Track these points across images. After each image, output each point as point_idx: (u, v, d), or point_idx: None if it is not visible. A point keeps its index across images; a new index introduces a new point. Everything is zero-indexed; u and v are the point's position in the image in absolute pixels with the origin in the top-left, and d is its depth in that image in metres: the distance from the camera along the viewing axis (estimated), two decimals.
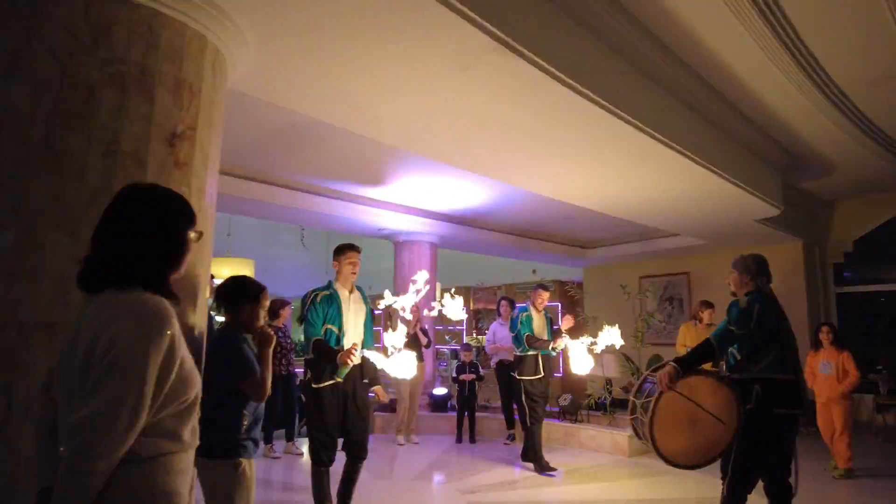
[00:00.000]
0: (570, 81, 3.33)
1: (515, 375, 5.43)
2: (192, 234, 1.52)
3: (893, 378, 6.83)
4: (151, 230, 1.40)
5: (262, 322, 2.49)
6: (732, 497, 2.91)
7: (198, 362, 2.34)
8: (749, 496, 2.95)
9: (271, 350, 2.42)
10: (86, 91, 2.22)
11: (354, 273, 3.65)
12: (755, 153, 5.89)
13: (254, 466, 2.28)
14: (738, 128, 5.42)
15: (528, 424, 5.31)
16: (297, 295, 14.21)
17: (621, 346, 5.20)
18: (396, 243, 8.04)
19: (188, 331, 2.34)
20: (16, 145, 2.11)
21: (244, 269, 7.98)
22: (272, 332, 2.48)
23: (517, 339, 5.43)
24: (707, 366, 3.45)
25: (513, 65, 3.11)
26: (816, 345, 5.59)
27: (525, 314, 5.47)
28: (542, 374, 5.36)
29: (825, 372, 5.38)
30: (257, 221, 10.20)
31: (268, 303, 2.57)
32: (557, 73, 3.22)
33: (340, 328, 3.49)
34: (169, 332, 1.30)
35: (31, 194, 2.09)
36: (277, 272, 12.55)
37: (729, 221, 6.84)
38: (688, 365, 2.93)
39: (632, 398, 3.20)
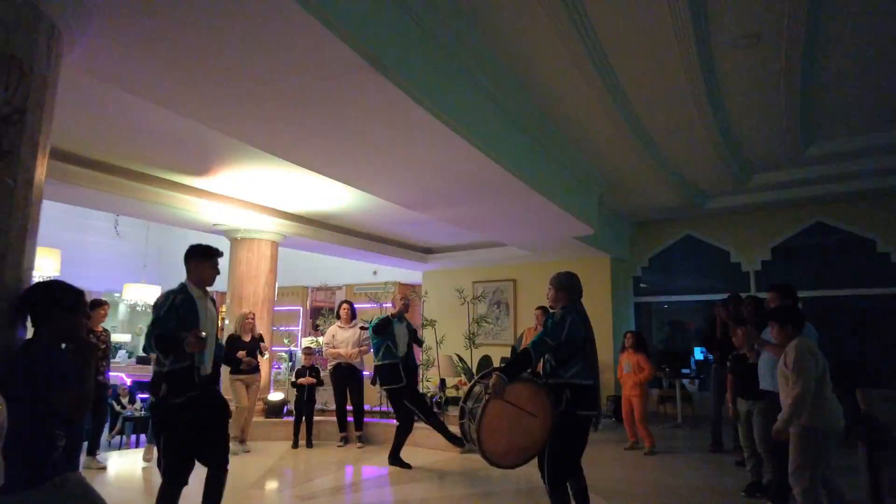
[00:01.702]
0: (430, 105, 3.53)
1: (379, 386, 5.63)
2: None
3: (673, 374, 8.12)
4: None
5: (84, 331, 2.21)
6: (556, 486, 3.31)
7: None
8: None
9: (93, 361, 2.18)
10: None
11: (214, 279, 3.45)
12: (578, 179, 6.67)
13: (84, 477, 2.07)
14: (568, 158, 6.11)
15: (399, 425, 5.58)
16: (110, 289, 12.73)
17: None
18: (233, 240, 7.60)
19: (7, 346, 2.06)
20: None
21: (49, 259, 6.99)
22: (94, 342, 2.26)
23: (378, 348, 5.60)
24: None
25: (377, 81, 3.20)
26: (623, 348, 6.59)
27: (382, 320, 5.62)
28: (404, 382, 5.54)
29: (627, 370, 6.47)
30: (62, 204, 8.92)
31: (87, 309, 2.29)
32: (419, 96, 3.39)
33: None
34: None
35: None
36: (87, 263, 11.15)
37: (550, 237, 7.65)
38: (512, 374, 3.26)
39: (462, 403, 3.48)
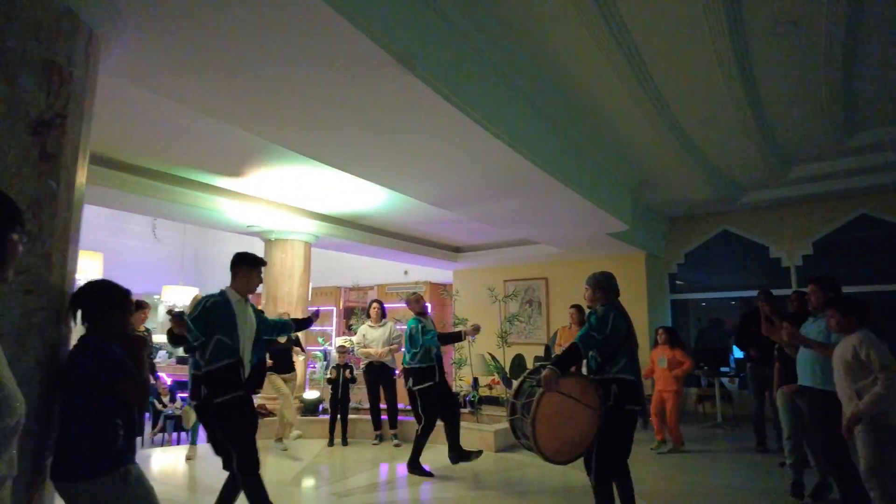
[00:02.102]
0: (459, 102, 3.51)
1: (411, 387, 5.31)
2: (15, 237, 1.32)
3: (712, 372, 7.92)
4: None
5: (130, 328, 2.33)
6: (601, 484, 3.30)
7: (61, 376, 2.14)
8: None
9: (145, 352, 2.29)
10: None
11: (257, 287, 3.56)
12: (611, 175, 6.56)
13: (141, 470, 2.14)
14: (599, 153, 6.02)
15: (419, 433, 5.27)
16: (148, 291, 13.07)
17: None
18: (267, 241, 7.73)
19: (54, 344, 2.13)
20: None
21: (92, 262, 7.22)
22: (143, 334, 2.37)
23: (414, 352, 5.29)
24: None
25: (406, 80, 3.20)
26: (655, 343, 6.47)
27: (421, 324, 5.35)
28: (437, 379, 5.27)
29: (661, 365, 6.35)
30: (102, 209, 9.20)
31: (133, 307, 2.39)
32: (448, 93, 3.37)
33: (234, 338, 3.28)
34: None
35: None
36: (127, 266, 11.47)
37: (583, 233, 7.54)
38: (563, 368, 3.26)
39: (512, 400, 3.46)
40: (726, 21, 3.94)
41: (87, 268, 7.26)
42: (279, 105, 3.60)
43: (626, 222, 6.95)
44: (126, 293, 2.29)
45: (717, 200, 8.21)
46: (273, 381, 6.36)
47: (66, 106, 2.29)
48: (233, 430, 3.20)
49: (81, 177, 2.42)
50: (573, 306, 6.76)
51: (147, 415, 7.56)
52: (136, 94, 3.77)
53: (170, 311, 3.20)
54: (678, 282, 9.67)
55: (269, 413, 6.88)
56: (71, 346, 2.23)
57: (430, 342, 5.29)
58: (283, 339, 6.42)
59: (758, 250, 8.77)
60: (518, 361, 8.37)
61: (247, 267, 3.47)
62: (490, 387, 8.15)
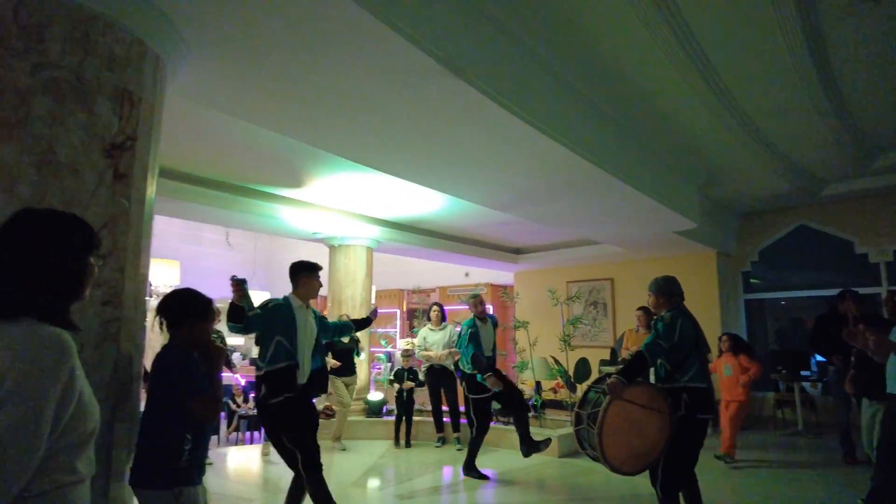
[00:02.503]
0: (511, 105, 3.48)
1: (466, 392, 5.35)
2: (92, 261, 1.43)
3: (791, 376, 7.46)
4: (48, 259, 1.33)
5: (211, 337, 2.35)
6: (667, 494, 3.21)
7: (133, 381, 2.28)
8: None
9: (221, 366, 2.33)
10: (16, 98, 2.12)
11: (318, 291, 3.71)
12: (676, 170, 6.31)
13: (203, 494, 2.15)
14: (662, 148, 5.80)
15: (473, 435, 5.30)
16: (222, 297, 13.72)
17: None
18: (332, 247, 7.96)
19: (129, 352, 2.28)
20: None
21: (171, 269, 7.68)
22: (222, 347, 2.44)
23: (467, 357, 5.28)
24: None
25: (455, 85, 3.21)
26: (721, 352, 6.20)
27: (472, 330, 5.31)
28: (492, 392, 5.22)
29: (727, 374, 6.05)
30: (178, 220, 9.75)
31: (213, 316, 2.46)
32: (498, 96, 3.35)
33: (292, 342, 3.41)
34: (68, 366, 1.25)
35: None
36: (201, 273, 12.09)
37: (648, 233, 7.30)
38: (630, 377, 3.19)
39: (577, 410, 3.41)
40: (794, 1, 3.71)
41: (166, 275, 7.73)
42: (334, 116, 3.69)
43: (693, 220, 6.67)
44: (209, 302, 2.33)
45: (793, 194, 7.73)
46: (337, 386, 6.52)
47: (136, 128, 2.45)
48: (292, 429, 3.32)
49: (150, 192, 2.58)
50: (640, 308, 6.56)
51: (222, 414, 7.96)
52: (205, 113, 3.98)
53: (233, 277, 3.30)
54: (752, 280, 9.18)
55: (335, 415, 7.06)
56: (147, 351, 2.36)
57: (465, 353, 5.26)
58: (346, 339, 6.60)
59: (841, 246, 8.19)
60: (582, 365, 8.21)
61: (306, 274, 3.62)
62: (554, 390, 8.03)
